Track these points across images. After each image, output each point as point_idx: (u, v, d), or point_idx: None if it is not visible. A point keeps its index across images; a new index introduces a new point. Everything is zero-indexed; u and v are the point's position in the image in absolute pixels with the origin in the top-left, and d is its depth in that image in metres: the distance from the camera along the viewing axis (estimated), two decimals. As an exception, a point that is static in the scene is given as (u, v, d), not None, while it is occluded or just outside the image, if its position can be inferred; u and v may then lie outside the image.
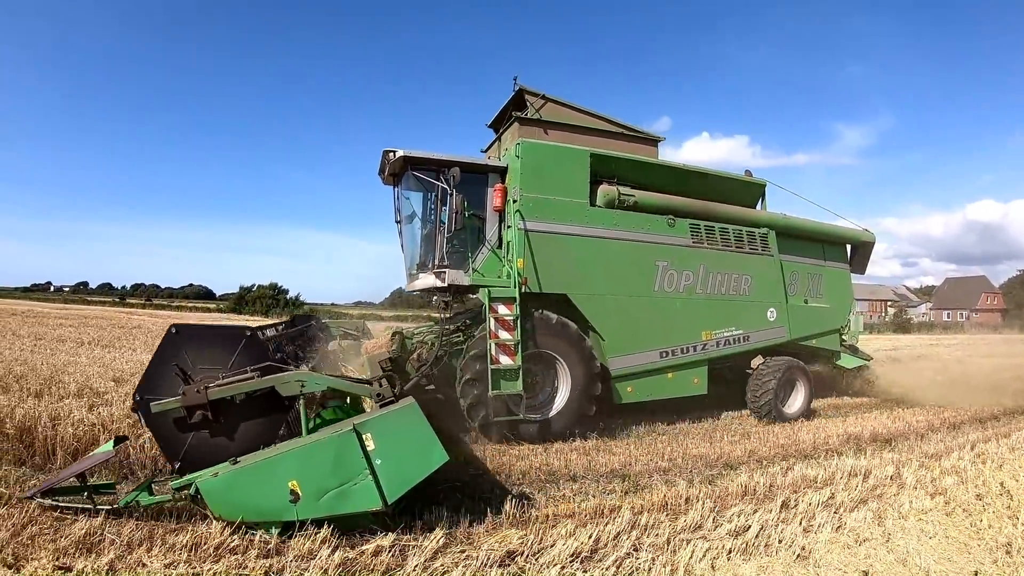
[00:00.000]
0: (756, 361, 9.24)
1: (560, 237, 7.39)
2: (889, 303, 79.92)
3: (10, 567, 3.09)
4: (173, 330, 4.28)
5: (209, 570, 3.19)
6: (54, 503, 3.88)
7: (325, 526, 3.64)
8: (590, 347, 7.22)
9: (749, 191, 9.02)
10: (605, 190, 7.72)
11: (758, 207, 9.18)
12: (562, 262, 7.38)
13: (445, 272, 7.21)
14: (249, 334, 4.43)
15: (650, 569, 3.44)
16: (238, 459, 3.84)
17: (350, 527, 3.75)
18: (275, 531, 3.66)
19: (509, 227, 7.28)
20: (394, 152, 7.32)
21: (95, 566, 3.18)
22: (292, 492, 3.64)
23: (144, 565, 3.22)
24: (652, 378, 7.87)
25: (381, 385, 4.53)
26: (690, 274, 8.10)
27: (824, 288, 9.57)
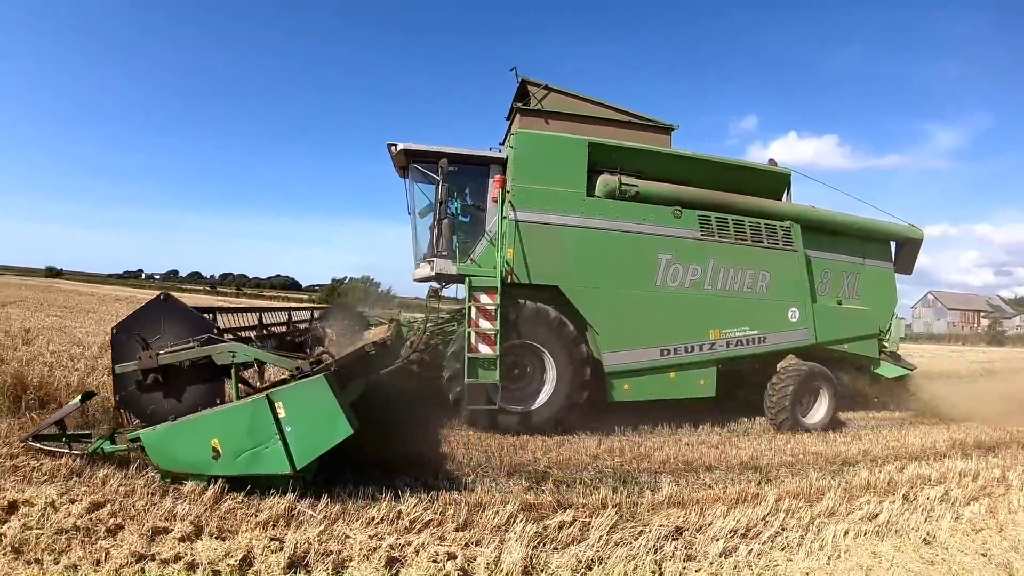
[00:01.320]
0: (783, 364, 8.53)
1: (553, 228, 7.18)
2: (982, 314, 72.97)
3: (220, 539, 3.37)
4: (119, 325, 4.69)
5: (410, 541, 3.49)
6: (42, 446, 4.47)
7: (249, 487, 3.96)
8: (578, 341, 6.95)
9: (772, 182, 8.33)
10: (605, 180, 7.39)
11: (784, 199, 8.45)
12: (554, 253, 7.16)
13: (434, 261, 7.21)
14: (183, 309, 4.68)
15: (800, 544, 3.91)
16: (177, 418, 4.18)
17: (266, 487, 4.01)
18: (201, 483, 4.01)
19: (505, 217, 7.13)
20: (395, 145, 7.38)
21: (304, 537, 3.42)
22: (214, 450, 4.00)
23: (348, 537, 3.49)
24: (651, 377, 7.44)
25: (312, 363, 4.65)
26: (697, 268, 7.58)
27: (861, 288, 8.68)
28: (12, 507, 3.53)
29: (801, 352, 8.43)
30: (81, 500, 3.66)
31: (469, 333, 6.60)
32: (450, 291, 8.28)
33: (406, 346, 7.69)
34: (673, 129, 8.14)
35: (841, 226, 8.55)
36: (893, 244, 9.11)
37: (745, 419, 8.15)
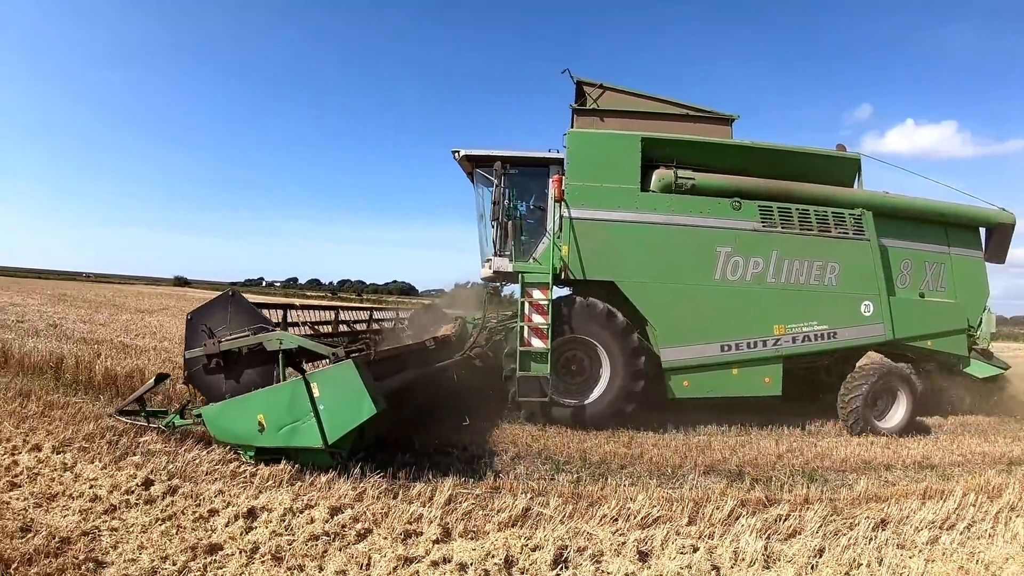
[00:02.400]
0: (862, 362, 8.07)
1: (607, 224, 7.24)
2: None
3: (472, 539, 3.54)
4: (189, 317, 5.37)
5: (651, 536, 3.66)
6: (128, 420, 5.19)
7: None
8: (634, 336, 6.95)
9: (840, 168, 7.90)
10: (661, 174, 7.35)
11: (855, 186, 8.00)
12: (609, 249, 7.23)
13: (491, 260, 7.46)
14: (243, 304, 5.28)
15: (992, 535, 4.03)
16: (233, 397, 4.79)
17: (305, 461, 4.46)
18: (250, 455, 4.56)
19: (562, 216, 7.27)
20: (458, 152, 7.73)
21: (555, 535, 3.58)
22: (259, 424, 4.51)
23: (592, 534, 3.68)
24: (712, 373, 7.29)
25: (347, 350, 4.98)
26: (759, 261, 7.34)
27: (947, 279, 8.03)
28: (251, 514, 3.62)
29: (880, 349, 7.94)
30: (318, 505, 3.76)
31: (522, 327, 6.79)
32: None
33: (470, 342, 7.99)
34: (733, 120, 7.94)
35: (921, 212, 7.96)
36: (983, 231, 8.36)
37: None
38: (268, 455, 4.57)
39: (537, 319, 6.84)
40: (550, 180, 7.40)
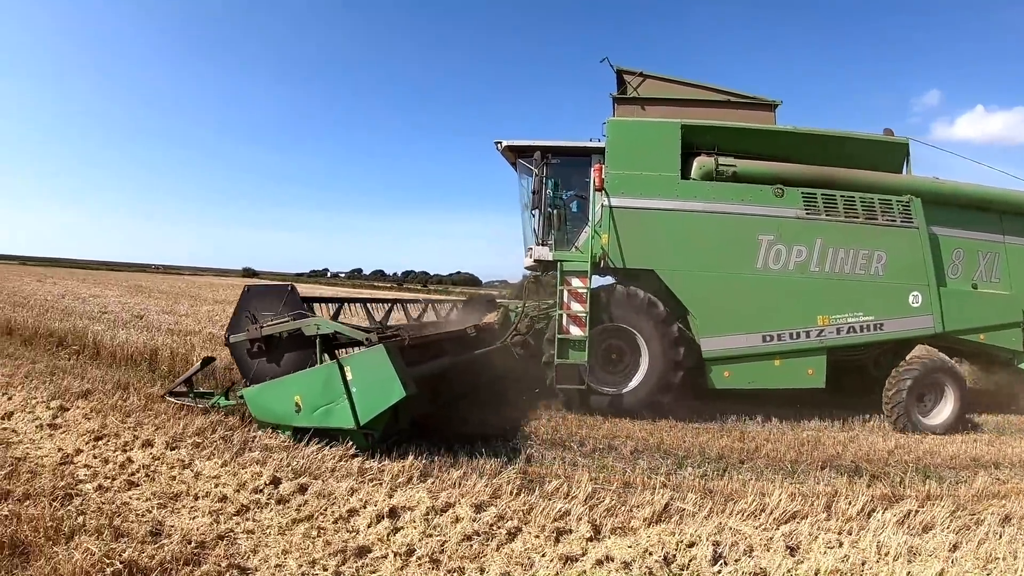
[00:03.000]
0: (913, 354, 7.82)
1: (647, 212, 7.20)
2: None
3: (622, 536, 3.51)
4: (246, 289, 5.62)
5: (793, 530, 3.67)
6: (177, 401, 5.61)
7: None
8: (673, 326, 6.91)
9: (887, 153, 7.66)
10: (702, 162, 7.26)
11: (903, 172, 7.75)
12: (649, 237, 7.20)
13: (533, 249, 7.53)
14: (290, 290, 5.50)
15: None
16: (272, 379, 5.05)
17: (344, 440, 4.65)
18: (287, 433, 4.83)
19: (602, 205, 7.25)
20: (500, 143, 7.80)
21: (703, 531, 3.54)
22: (296, 405, 4.77)
23: (737, 530, 3.65)
24: (754, 364, 7.17)
25: (380, 335, 5.16)
26: (803, 250, 7.18)
27: (1001, 270, 7.71)
28: (393, 513, 3.55)
29: (929, 342, 7.69)
30: (459, 503, 3.68)
31: (560, 315, 6.81)
32: None
33: (511, 330, 8.03)
34: (777, 105, 7.79)
35: (973, 199, 7.66)
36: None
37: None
38: (304, 435, 4.77)
39: (575, 307, 6.85)
40: (591, 169, 7.38)
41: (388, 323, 7.13)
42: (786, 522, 3.76)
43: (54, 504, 3.35)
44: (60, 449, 4.41)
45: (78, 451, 4.40)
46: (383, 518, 3.48)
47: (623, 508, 3.84)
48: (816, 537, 3.52)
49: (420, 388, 5.28)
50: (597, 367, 7.09)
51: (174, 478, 3.96)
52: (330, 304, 6.43)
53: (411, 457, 4.46)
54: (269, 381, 5.08)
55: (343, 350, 5.32)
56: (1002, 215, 7.77)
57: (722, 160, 7.22)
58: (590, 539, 3.37)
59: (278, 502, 3.66)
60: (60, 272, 40.06)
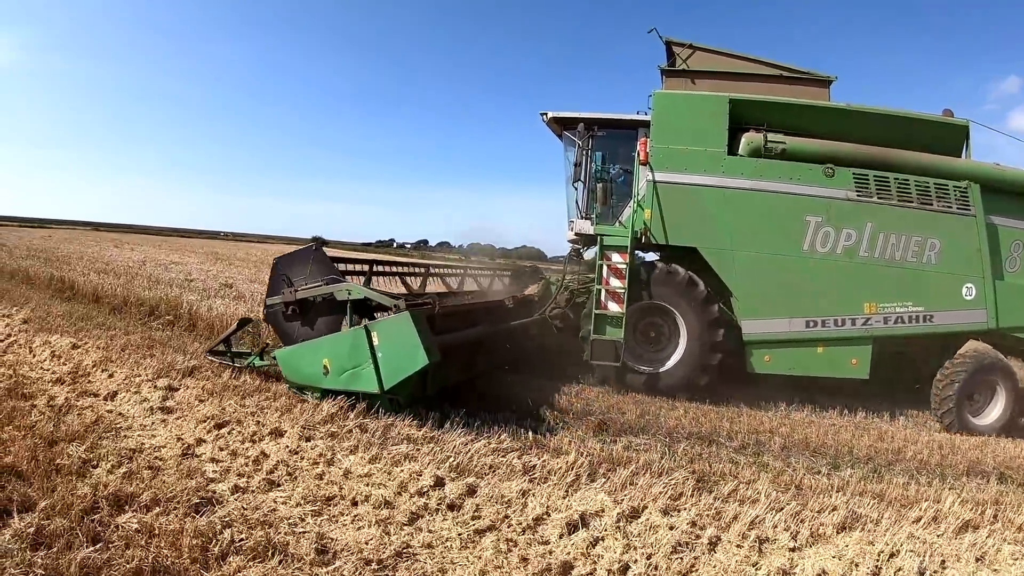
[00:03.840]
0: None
1: (692, 188, 6.95)
2: None
3: (819, 544, 3.27)
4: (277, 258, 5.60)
5: (975, 540, 3.45)
6: (217, 360, 5.65)
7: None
8: (710, 301, 6.67)
9: (946, 135, 7.27)
10: (750, 138, 6.97)
11: (963, 156, 7.38)
12: (693, 214, 6.96)
13: (575, 223, 7.39)
14: (315, 249, 5.45)
15: None
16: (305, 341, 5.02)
17: (370, 404, 4.63)
18: (316, 396, 4.84)
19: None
20: (546, 114, 7.61)
21: (884, 540, 3.29)
22: (324, 367, 4.79)
23: (919, 538, 3.39)
24: (795, 349, 6.91)
25: (409, 302, 5.11)
26: (852, 233, 6.87)
27: None
28: (584, 521, 3.15)
29: (981, 338, 7.36)
30: (647, 508, 3.38)
31: (599, 290, 6.60)
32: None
33: (550, 303, 7.83)
34: (831, 81, 7.48)
35: None
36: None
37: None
38: (332, 396, 4.73)
39: (615, 283, 6.65)
40: (638, 142, 7.14)
41: (425, 291, 6.99)
42: (964, 531, 3.55)
43: (191, 514, 2.90)
44: (179, 439, 3.92)
45: (199, 441, 3.93)
46: (576, 528, 3.09)
47: (808, 514, 3.55)
48: (999, 548, 3.31)
49: (453, 357, 5.28)
50: (635, 345, 6.89)
51: (320, 477, 3.52)
52: (361, 269, 6.29)
53: (574, 454, 4.11)
54: (300, 344, 5.08)
55: (376, 315, 5.19)
56: None
57: (771, 136, 6.93)
58: (792, 549, 3.11)
59: (449, 508, 3.25)
60: (133, 238, 38.26)
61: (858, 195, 6.91)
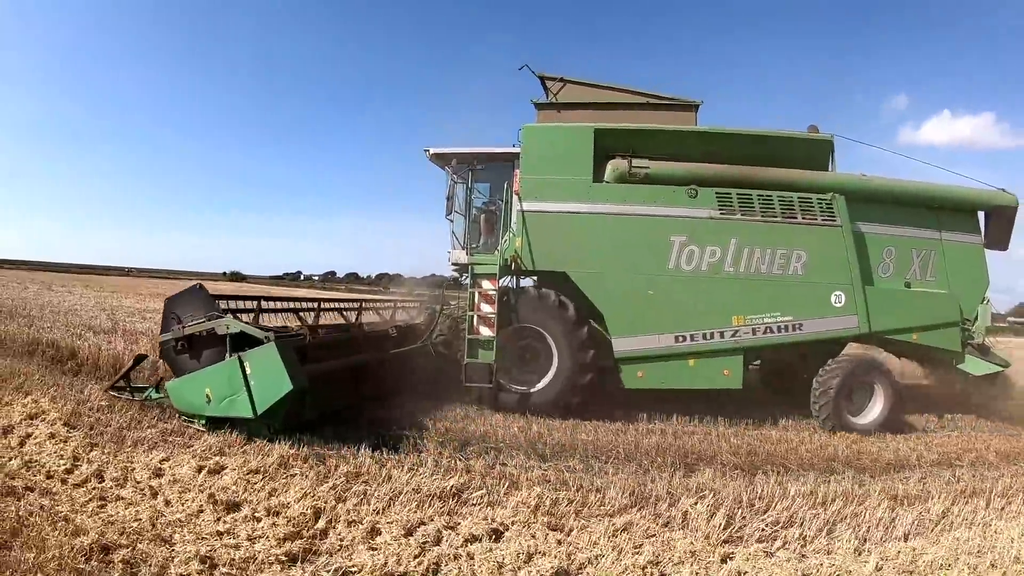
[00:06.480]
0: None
1: (560, 215, 7.34)
2: None
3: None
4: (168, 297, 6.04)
5: None
6: (114, 395, 5.98)
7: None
8: (583, 328, 7.04)
9: (810, 150, 7.53)
10: (615, 164, 7.36)
11: (829, 169, 7.60)
12: (561, 240, 7.34)
13: (451, 252, 7.83)
14: (198, 288, 5.90)
15: None
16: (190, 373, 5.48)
17: (247, 430, 5.03)
18: (203, 423, 5.22)
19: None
20: (428, 150, 8.12)
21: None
22: (207, 396, 5.18)
23: None
24: (667, 364, 7.22)
25: (279, 333, 5.63)
26: (716, 250, 7.17)
27: (938, 268, 7.47)
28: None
29: (857, 343, 7.54)
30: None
31: (471, 316, 7.05)
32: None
33: (434, 330, 8.32)
34: (697, 106, 7.79)
35: (904, 195, 7.43)
36: (981, 215, 7.69)
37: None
38: (215, 424, 5.19)
39: (485, 308, 7.07)
40: (514, 175, 7.58)
41: (319, 324, 7.54)
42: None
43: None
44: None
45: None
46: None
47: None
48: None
49: (331, 384, 5.84)
50: (513, 366, 7.27)
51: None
52: (250, 306, 6.86)
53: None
54: (186, 376, 5.56)
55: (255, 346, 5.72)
56: (938, 212, 7.53)
57: (636, 162, 7.28)
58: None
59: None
60: (45, 276, 36.05)
61: (721, 213, 7.21)
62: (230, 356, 5.36)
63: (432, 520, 3.73)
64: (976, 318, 7.44)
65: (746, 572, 3.36)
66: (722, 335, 7.17)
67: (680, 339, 7.17)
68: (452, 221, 7.90)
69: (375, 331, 7.62)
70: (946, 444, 6.65)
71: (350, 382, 6.54)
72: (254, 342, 5.40)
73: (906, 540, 3.86)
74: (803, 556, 3.61)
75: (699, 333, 7.17)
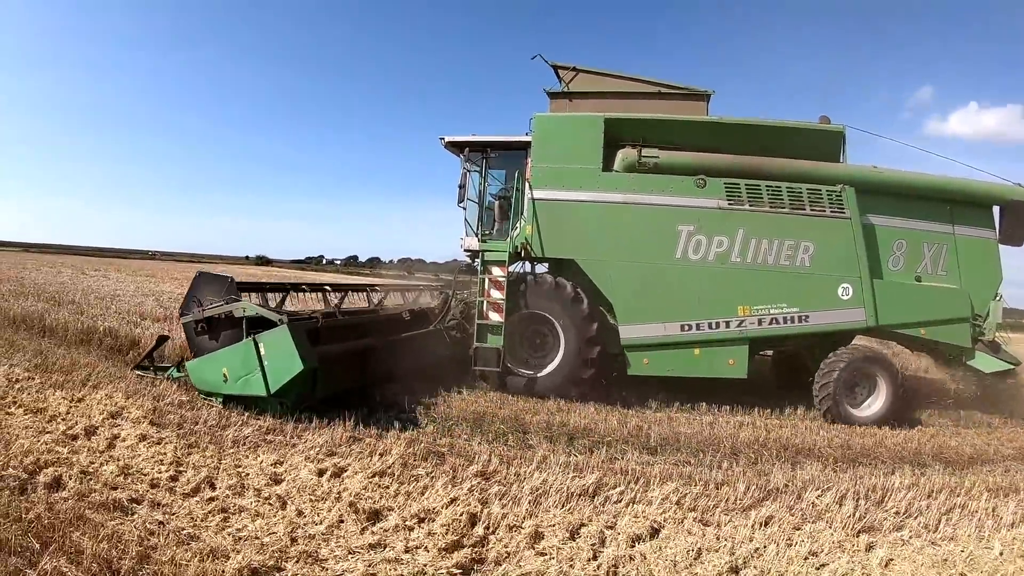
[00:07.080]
0: None
1: (568, 204, 7.47)
2: None
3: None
4: (196, 275, 6.34)
5: None
6: (140, 374, 6.34)
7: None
8: (590, 315, 7.16)
9: (821, 142, 7.49)
10: (625, 154, 7.45)
11: (840, 160, 7.58)
12: (571, 228, 7.47)
13: (464, 239, 8.04)
14: (230, 280, 6.14)
15: None
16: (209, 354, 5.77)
17: (260, 407, 5.35)
18: (219, 400, 5.51)
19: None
20: (443, 139, 8.31)
21: None
22: (224, 375, 5.48)
23: None
24: (672, 352, 7.33)
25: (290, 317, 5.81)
26: (724, 240, 7.23)
27: (950, 262, 7.41)
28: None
29: (864, 336, 7.54)
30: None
31: (481, 302, 7.24)
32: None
33: (447, 314, 8.53)
34: (708, 96, 7.82)
35: (916, 188, 7.37)
36: (996, 209, 7.59)
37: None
38: (232, 402, 5.49)
39: (495, 294, 7.26)
40: (526, 163, 7.72)
41: (341, 307, 7.75)
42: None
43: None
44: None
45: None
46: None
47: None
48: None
49: (341, 365, 6.10)
50: (523, 351, 7.47)
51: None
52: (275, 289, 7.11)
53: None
54: (205, 356, 5.86)
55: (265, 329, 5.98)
56: (952, 205, 7.46)
57: (645, 152, 7.36)
58: None
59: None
60: (73, 260, 36.85)
61: (729, 204, 7.26)
62: (246, 338, 5.64)
63: (591, 520, 3.61)
64: (988, 314, 7.37)
65: (892, 559, 3.41)
66: (727, 325, 7.24)
67: (686, 328, 7.27)
68: (465, 208, 8.07)
69: (388, 314, 7.83)
70: (1016, 439, 6.73)
71: (358, 363, 6.76)
72: (269, 325, 5.67)
73: (1013, 527, 3.99)
74: (934, 543, 3.71)
75: (705, 322, 7.25)
